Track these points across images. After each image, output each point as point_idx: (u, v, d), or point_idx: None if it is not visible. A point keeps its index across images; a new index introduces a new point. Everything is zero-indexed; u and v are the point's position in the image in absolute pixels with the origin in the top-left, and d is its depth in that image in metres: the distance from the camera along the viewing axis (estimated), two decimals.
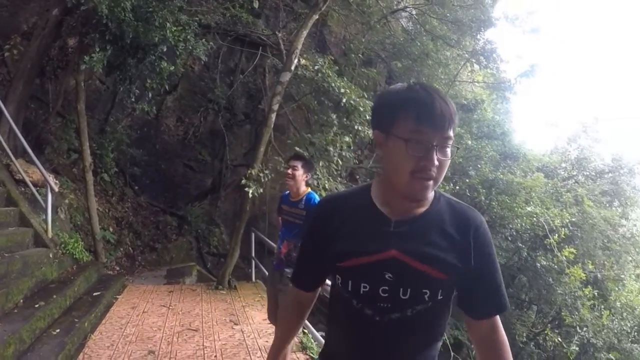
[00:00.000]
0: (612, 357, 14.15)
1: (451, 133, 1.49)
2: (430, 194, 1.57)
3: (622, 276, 16.53)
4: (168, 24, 8.19)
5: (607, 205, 18.21)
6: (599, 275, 15.25)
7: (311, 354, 5.68)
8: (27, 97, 9.16)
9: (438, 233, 1.53)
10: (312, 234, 1.81)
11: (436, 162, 1.46)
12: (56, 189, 7.51)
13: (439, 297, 1.52)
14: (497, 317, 1.60)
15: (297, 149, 9.38)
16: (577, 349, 12.77)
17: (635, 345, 15.19)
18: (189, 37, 8.65)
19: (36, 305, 5.48)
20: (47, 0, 9.80)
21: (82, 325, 5.79)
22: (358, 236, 1.60)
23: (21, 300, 5.51)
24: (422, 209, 1.57)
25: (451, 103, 1.49)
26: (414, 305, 1.51)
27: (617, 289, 15.86)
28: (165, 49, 8.46)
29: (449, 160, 1.51)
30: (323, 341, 5.23)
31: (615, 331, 14.64)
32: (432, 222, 1.55)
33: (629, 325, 15.48)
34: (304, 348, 5.83)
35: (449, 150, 1.49)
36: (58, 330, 5.39)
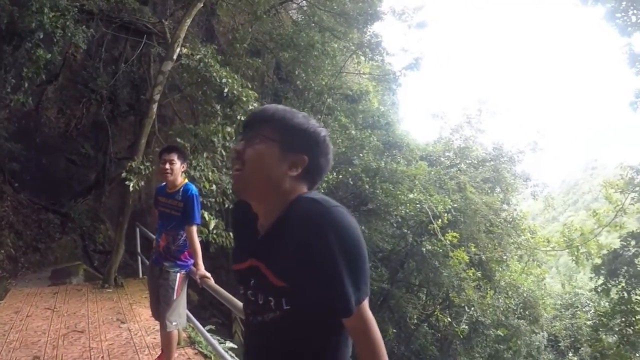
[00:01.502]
0: (501, 333, 15.18)
1: (257, 128, 1.63)
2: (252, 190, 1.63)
3: (505, 257, 17.78)
4: (46, 9, 7.79)
5: (489, 191, 19.59)
6: (483, 257, 16.24)
7: (200, 348, 5.77)
8: None
9: (283, 240, 1.54)
10: (232, 234, 1.96)
11: (238, 147, 1.63)
12: None
13: (285, 307, 1.53)
14: (356, 317, 1.50)
15: (179, 140, 9.26)
16: (466, 327, 13.53)
17: (522, 321, 16.45)
18: (68, 23, 8.34)
19: None
20: None
21: None
22: (239, 244, 1.82)
23: None
24: (276, 215, 1.61)
25: (267, 110, 1.68)
26: (266, 311, 1.58)
27: (500, 269, 17.15)
28: (42, 36, 8.05)
29: (256, 154, 1.59)
30: (208, 335, 5.25)
31: (502, 309, 15.79)
32: (280, 229, 1.57)
33: (514, 302, 16.72)
34: (192, 343, 5.92)
35: (261, 143, 1.60)
36: None
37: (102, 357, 5.46)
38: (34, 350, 5.56)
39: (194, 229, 4.59)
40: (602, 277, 17.03)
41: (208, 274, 4.49)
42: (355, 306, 1.46)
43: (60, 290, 8.42)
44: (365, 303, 1.51)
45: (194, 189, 4.66)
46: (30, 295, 8.00)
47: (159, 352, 5.39)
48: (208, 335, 5.15)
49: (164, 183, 4.80)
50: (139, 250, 9.82)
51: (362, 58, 16.98)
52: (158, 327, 6.29)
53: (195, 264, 4.60)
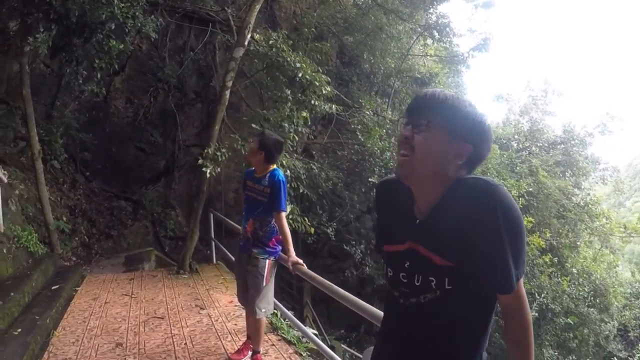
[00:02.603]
0: (570, 321, 14.69)
1: (425, 115, 1.61)
2: (416, 174, 1.63)
3: (578, 243, 17.17)
4: (115, 0, 7.84)
5: (561, 175, 18.98)
6: (554, 243, 15.73)
7: (282, 334, 5.65)
8: None
9: (447, 220, 1.56)
10: (377, 211, 2.01)
11: (406, 133, 1.62)
12: (5, 179, 7.16)
13: (447, 287, 1.56)
14: (512, 294, 1.57)
15: (253, 125, 9.19)
16: (536, 314, 13.18)
17: (592, 309, 15.86)
18: (137, 13, 8.34)
19: None
20: None
21: (44, 322, 5.57)
22: (393, 225, 1.81)
23: None
24: (437, 198, 1.64)
25: (434, 94, 1.64)
26: (424, 292, 1.61)
27: (572, 255, 16.49)
28: (113, 27, 8.14)
29: (427, 142, 1.59)
30: (293, 319, 5.18)
31: (573, 296, 15.22)
32: (444, 210, 1.60)
33: (586, 290, 16.12)
34: (274, 329, 5.79)
35: (431, 131, 1.59)
36: (19, 330, 5.16)
37: (185, 343, 5.43)
38: (116, 337, 5.58)
39: (283, 215, 4.49)
40: None
41: (300, 261, 4.42)
42: (515, 283, 1.53)
43: (135, 277, 8.50)
44: (521, 281, 1.58)
45: (281, 174, 4.56)
46: (106, 281, 8.10)
47: (242, 338, 5.37)
48: (298, 322, 5.12)
49: (253, 168, 4.72)
50: (212, 235, 9.85)
51: (429, 40, 16.59)
52: (238, 314, 6.34)
53: (287, 251, 4.51)
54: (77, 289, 7.52)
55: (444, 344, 1.63)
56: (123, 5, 7.99)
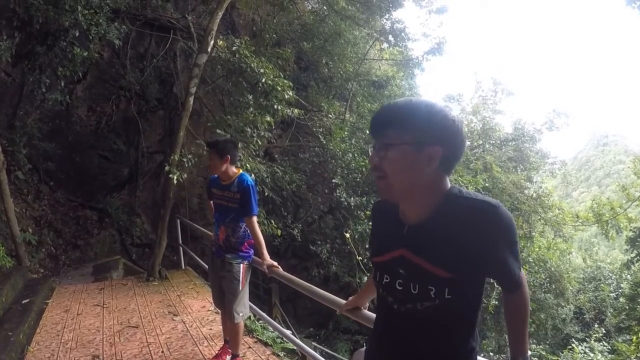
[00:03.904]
0: (529, 307, 15.02)
1: (383, 135, 1.62)
2: (399, 193, 1.64)
3: (533, 234, 17.66)
4: (79, 7, 7.65)
5: (513, 170, 19.59)
6: None
7: (258, 336, 5.64)
8: None
9: (445, 234, 1.56)
10: (371, 229, 2.08)
11: (374, 160, 1.63)
12: None
13: (447, 296, 1.57)
14: (515, 291, 1.73)
15: (218, 130, 9.12)
16: (496, 302, 13.45)
17: (548, 294, 16.43)
18: (101, 20, 8.18)
19: None
20: None
21: (17, 339, 5.31)
22: (383, 237, 1.84)
23: None
24: (429, 207, 1.63)
25: (386, 112, 1.67)
26: (422, 300, 1.61)
27: (528, 245, 16.97)
28: (77, 34, 7.91)
29: (393, 161, 1.59)
30: (270, 320, 5.14)
31: (530, 284, 15.66)
32: (439, 223, 1.59)
33: (542, 277, 16.66)
34: (249, 331, 5.76)
35: (392, 150, 1.58)
36: None
37: (162, 351, 5.29)
38: (92, 349, 5.38)
39: (254, 219, 4.43)
40: (635, 250, 17.13)
41: (275, 263, 4.35)
42: (519, 276, 1.68)
43: (105, 286, 8.26)
44: (522, 271, 1.74)
45: (249, 179, 4.47)
46: (76, 292, 7.84)
47: (218, 343, 5.33)
48: (276, 324, 5.11)
49: (217, 175, 4.61)
50: (180, 241, 9.71)
51: (385, 45, 16.80)
52: (212, 318, 6.29)
53: (260, 254, 4.44)
54: (47, 301, 7.22)
55: (440, 345, 1.67)
56: (87, 12, 7.83)
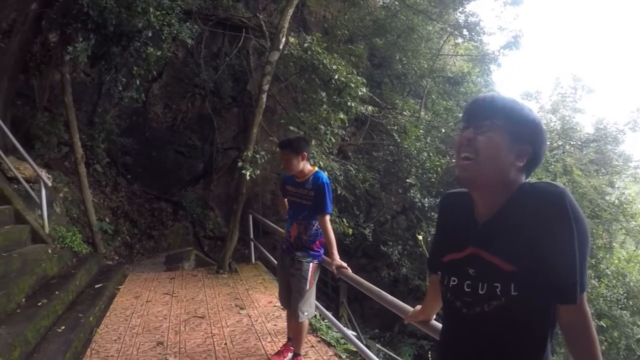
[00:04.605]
0: (603, 324, 14.18)
1: (483, 118, 1.58)
2: (482, 179, 1.58)
3: (614, 244, 16.57)
4: (151, 9, 7.89)
5: (595, 174, 18.24)
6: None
7: (322, 336, 5.51)
8: (13, 93, 8.79)
9: (512, 225, 1.51)
10: (437, 224, 1.96)
11: (469, 135, 1.58)
12: (49, 183, 7.24)
13: (513, 293, 1.48)
14: (577, 304, 1.47)
15: (291, 127, 9.08)
16: None
17: (625, 312, 15.25)
18: (172, 21, 8.37)
19: (39, 304, 5.25)
20: None
21: (87, 320, 5.58)
22: (454, 233, 1.74)
23: (23, 300, 5.27)
24: (501, 203, 1.58)
25: (488, 99, 1.63)
26: (489, 300, 1.53)
27: (607, 256, 15.91)
28: (150, 35, 8.17)
29: (490, 143, 1.55)
30: (334, 321, 5.04)
31: (607, 299, 14.72)
32: (508, 215, 1.55)
33: (620, 292, 15.53)
34: (314, 330, 5.64)
35: (491, 133, 1.55)
36: (63, 327, 5.16)
37: (225, 343, 5.32)
38: (157, 336, 5.54)
39: (327, 218, 4.33)
40: None
41: (344, 264, 4.22)
42: (579, 295, 1.44)
43: (176, 276, 8.51)
44: (584, 297, 1.49)
45: (324, 176, 4.39)
46: (147, 280, 8.13)
47: (282, 340, 5.26)
48: (340, 325, 4.93)
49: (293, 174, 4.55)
50: (252, 236, 9.81)
51: (460, 39, 16.31)
52: (277, 314, 6.22)
53: (330, 254, 4.30)
54: (119, 287, 7.55)
55: (510, 353, 1.55)
56: (159, 13, 8.04)
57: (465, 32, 14.78)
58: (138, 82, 8.98)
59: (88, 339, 5.34)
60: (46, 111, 9.58)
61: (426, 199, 11.37)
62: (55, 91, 9.82)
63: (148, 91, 11.76)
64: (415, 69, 14.69)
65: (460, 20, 14.83)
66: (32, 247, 6.49)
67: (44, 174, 7.16)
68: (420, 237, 10.09)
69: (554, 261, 1.42)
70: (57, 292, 5.72)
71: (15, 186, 7.33)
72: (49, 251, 6.63)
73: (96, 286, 6.94)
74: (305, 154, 4.39)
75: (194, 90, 12.42)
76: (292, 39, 10.07)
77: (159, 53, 8.65)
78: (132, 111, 11.84)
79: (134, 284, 7.87)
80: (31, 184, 7.36)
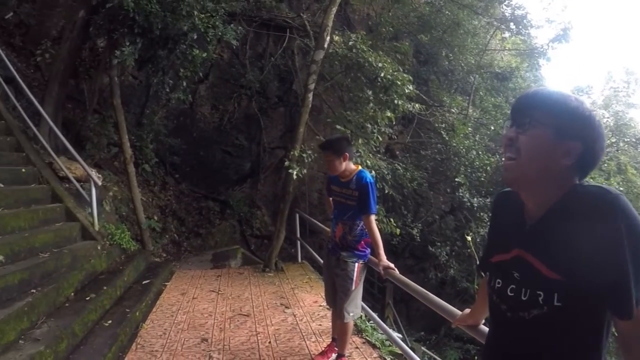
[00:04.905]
0: None
1: (525, 115, 1.48)
2: (523, 179, 1.49)
3: None
4: (195, 12, 8.03)
5: None
6: None
7: (366, 337, 5.41)
8: (63, 97, 9.10)
9: (560, 230, 1.41)
10: (490, 223, 1.87)
11: (510, 134, 1.50)
12: (99, 182, 7.41)
13: (556, 303, 1.37)
14: (632, 322, 1.32)
15: (338, 126, 9.01)
16: None
17: None
18: (217, 23, 8.49)
19: (87, 298, 5.38)
20: (72, 2, 9.77)
21: (134, 315, 5.68)
22: (503, 234, 1.66)
23: (72, 294, 5.41)
24: (549, 204, 1.47)
25: (533, 94, 1.53)
26: (530, 308, 1.44)
27: None
28: (195, 37, 8.32)
29: (531, 141, 1.45)
30: (380, 321, 4.94)
31: None
32: (556, 218, 1.44)
33: None
34: (359, 331, 5.55)
35: (533, 130, 1.45)
36: (110, 322, 5.28)
37: (269, 342, 5.29)
38: (202, 332, 5.58)
39: (372, 218, 4.24)
40: None
41: (391, 265, 4.11)
42: (636, 307, 1.29)
43: (222, 274, 8.56)
44: None
45: (368, 176, 4.30)
46: (194, 277, 8.22)
47: (326, 340, 5.22)
48: (386, 327, 4.86)
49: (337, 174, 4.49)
50: (298, 235, 9.76)
51: (507, 33, 15.94)
52: (322, 314, 6.16)
53: (377, 255, 4.21)
54: (166, 284, 7.67)
55: None
56: (203, 16, 8.18)
57: (512, 25, 14.43)
58: (185, 83, 9.14)
59: (134, 334, 5.44)
60: (96, 113, 9.87)
61: (475, 199, 11.15)
62: (104, 94, 10.11)
63: (195, 92, 11.99)
64: (462, 65, 14.44)
65: (507, 14, 14.51)
66: (82, 243, 6.64)
67: (94, 173, 7.34)
68: (469, 238, 9.78)
69: (602, 273, 1.30)
70: (105, 287, 5.85)
71: (67, 185, 7.53)
72: (98, 248, 6.79)
73: (143, 282, 7.08)
74: (347, 154, 4.32)
75: (240, 90, 12.56)
76: (336, 38, 10.04)
77: (204, 55, 8.77)
78: (179, 112, 12.10)
79: (180, 280, 7.97)
80: (82, 183, 7.55)
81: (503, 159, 1.51)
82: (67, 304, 5.12)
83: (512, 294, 1.50)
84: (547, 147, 1.43)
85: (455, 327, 2.63)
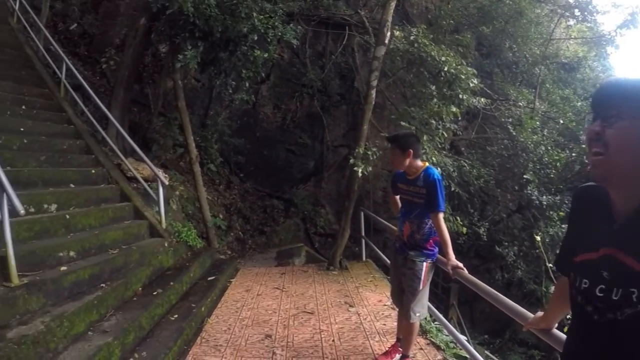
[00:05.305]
0: None
1: (610, 107, 1.38)
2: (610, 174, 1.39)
3: None
4: (254, 14, 8.12)
5: None
6: None
7: (431, 338, 5.25)
8: (129, 101, 9.47)
9: None
10: (570, 220, 1.76)
11: (596, 129, 1.40)
12: (166, 182, 7.58)
13: None
14: None
15: (403, 123, 8.80)
16: None
17: None
18: (276, 23, 8.56)
19: (154, 293, 5.51)
20: (133, 11, 10.09)
21: (199, 310, 5.78)
22: (588, 231, 1.57)
23: (140, 289, 5.56)
24: (638, 202, 1.38)
25: (617, 83, 1.43)
26: (622, 307, 1.33)
27: None
28: (255, 38, 8.40)
29: (621, 135, 1.35)
30: (446, 322, 4.78)
31: None
32: None
33: None
34: (423, 332, 5.38)
35: (622, 122, 1.35)
36: (176, 316, 5.39)
37: (333, 340, 5.23)
38: (266, 329, 5.59)
39: (441, 216, 4.09)
40: None
41: (460, 264, 3.99)
42: None
43: (286, 271, 8.58)
44: None
45: (435, 173, 4.17)
46: (258, 274, 8.27)
47: (390, 340, 5.11)
48: (452, 328, 4.73)
49: (401, 170, 4.38)
50: (363, 233, 9.61)
51: (571, 21, 15.27)
52: (387, 313, 6.04)
53: (446, 254, 4.08)
54: (231, 280, 7.76)
55: None
56: (262, 17, 8.26)
57: (576, 12, 13.76)
58: (247, 84, 9.25)
59: (199, 328, 5.52)
60: (161, 116, 10.18)
61: (544, 197, 10.70)
62: (168, 97, 10.42)
63: (257, 93, 12.14)
64: (527, 56, 13.91)
65: (571, 0, 13.86)
66: (149, 240, 6.84)
67: (161, 173, 7.52)
68: (538, 238, 9.34)
69: None
70: (171, 283, 5.99)
71: (135, 185, 7.79)
72: (165, 245, 6.94)
73: (209, 278, 7.19)
74: (412, 151, 4.18)
75: (302, 89, 12.60)
76: (397, 33, 9.87)
77: (265, 55, 8.84)
78: (242, 113, 12.29)
79: (245, 277, 8.05)
80: (149, 183, 7.79)
81: (586, 154, 1.43)
82: (134, 298, 5.27)
83: (602, 294, 1.41)
84: (637, 141, 1.33)
85: (524, 331, 2.50)
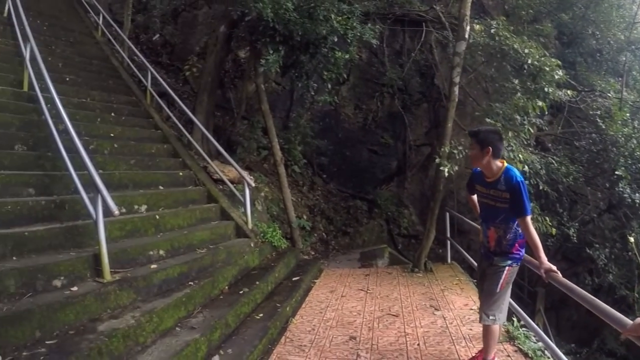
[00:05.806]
0: None
1: None
2: None
3: None
4: (332, 15, 8.15)
5: None
6: None
7: (519, 345, 4.92)
8: (213, 106, 9.73)
9: None
10: None
11: None
12: (252, 184, 7.72)
13: None
14: None
15: (488, 119, 8.39)
16: None
17: None
18: (354, 24, 8.53)
19: (240, 292, 5.59)
20: (212, 20, 10.35)
21: (284, 310, 5.79)
22: None
23: (226, 287, 5.66)
24: None
25: None
26: None
27: None
28: (335, 39, 8.41)
29: None
30: (537, 328, 4.49)
31: None
32: None
33: None
34: (511, 339, 5.08)
35: None
36: (261, 315, 5.43)
37: (418, 344, 5.07)
38: (350, 330, 5.52)
39: (529, 219, 3.86)
40: None
41: (554, 267, 3.74)
42: None
43: (370, 272, 8.47)
44: None
45: (517, 174, 3.91)
46: (342, 275, 8.22)
47: (477, 346, 4.88)
48: (543, 334, 4.38)
49: (479, 168, 4.16)
50: (448, 235, 9.32)
51: None
52: (473, 318, 5.82)
53: (538, 257, 3.85)
54: (315, 281, 7.76)
55: None
56: (340, 18, 8.27)
57: None
58: (329, 85, 9.27)
59: (283, 328, 5.53)
60: (244, 119, 10.38)
61: (637, 194, 9.92)
62: (250, 101, 10.63)
63: (337, 94, 12.12)
64: (611, 42, 13.09)
65: None
66: (236, 240, 6.97)
67: (246, 175, 7.67)
68: (632, 240, 8.79)
69: None
70: (257, 282, 6.05)
71: (221, 187, 7.97)
72: (251, 245, 7.06)
73: (293, 279, 7.22)
74: (491, 149, 3.93)
75: (382, 89, 12.53)
76: (476, 26, 9.58)
77: (346, 56, 8.84)
78: (323, 114, 12.33)
79: (329, 278, 8.03)
80: (235, 185, 7.96)
81: None
82: (221, 297, 5.37)
83: None
84: None
85: (610, 339, 2.30)
